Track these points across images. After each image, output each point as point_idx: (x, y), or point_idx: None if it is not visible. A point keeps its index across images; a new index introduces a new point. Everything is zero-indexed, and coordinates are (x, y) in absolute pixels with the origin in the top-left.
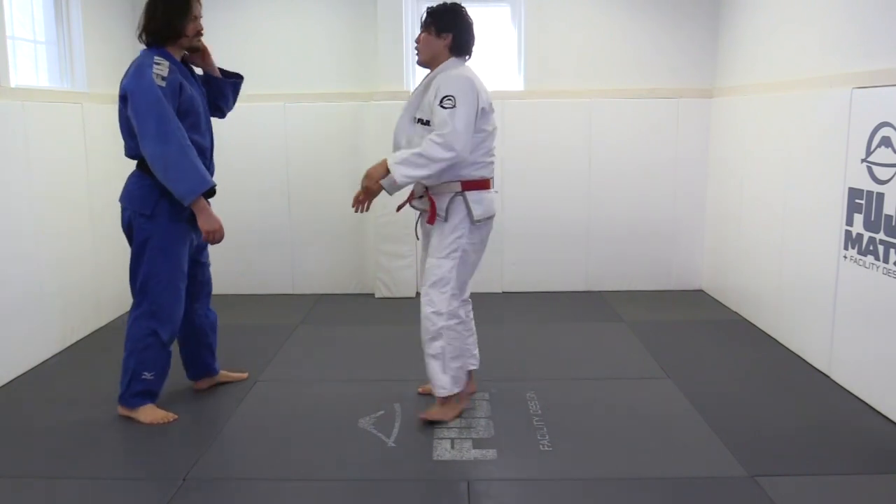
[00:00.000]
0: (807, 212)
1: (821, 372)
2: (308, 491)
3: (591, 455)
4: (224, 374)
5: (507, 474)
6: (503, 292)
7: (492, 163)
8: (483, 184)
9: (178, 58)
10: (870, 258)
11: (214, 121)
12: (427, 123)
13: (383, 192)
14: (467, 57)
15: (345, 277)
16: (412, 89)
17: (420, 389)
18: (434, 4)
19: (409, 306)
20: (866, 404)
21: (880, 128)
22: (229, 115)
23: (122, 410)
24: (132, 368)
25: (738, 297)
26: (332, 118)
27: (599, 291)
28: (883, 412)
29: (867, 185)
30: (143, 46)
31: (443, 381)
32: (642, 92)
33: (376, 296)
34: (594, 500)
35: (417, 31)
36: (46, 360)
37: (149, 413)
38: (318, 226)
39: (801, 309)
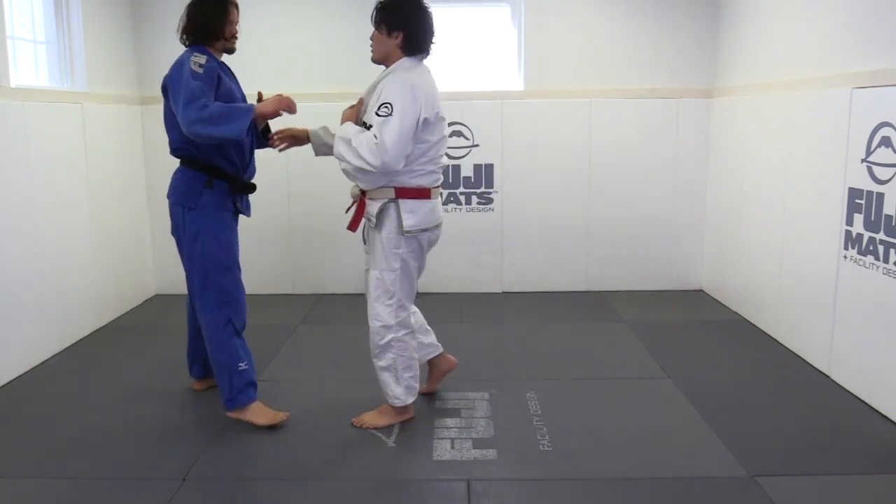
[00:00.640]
0: (807, 212)
1: (821, 372)
2: (308, 491)
3: (591, 455)
4: None
5: (507, 474)
6: (503, 292)
7: (434, 171)
8: (421, 192)
9: (217, 57)
10: (870, 258)
11: None
12: (370, 128)
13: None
14: (423, 56)
15: (345, 277)
16: None
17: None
18: None
19: None
20: (866, 404)
21: (880, 128)
22: None
23: (233, 414)
24: (226, 363)
25: (738, 297)
26: (333, 118)
27: (599, 291)
28: (883, 412)
29: (867, 185)
30: (184, 49)
31: (396, 391)
32: (642, 92)
33: None
34: (594, 500)
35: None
36: (46, 360)
37: (261, 414)
38: (318, 226)
39: (801, 309)
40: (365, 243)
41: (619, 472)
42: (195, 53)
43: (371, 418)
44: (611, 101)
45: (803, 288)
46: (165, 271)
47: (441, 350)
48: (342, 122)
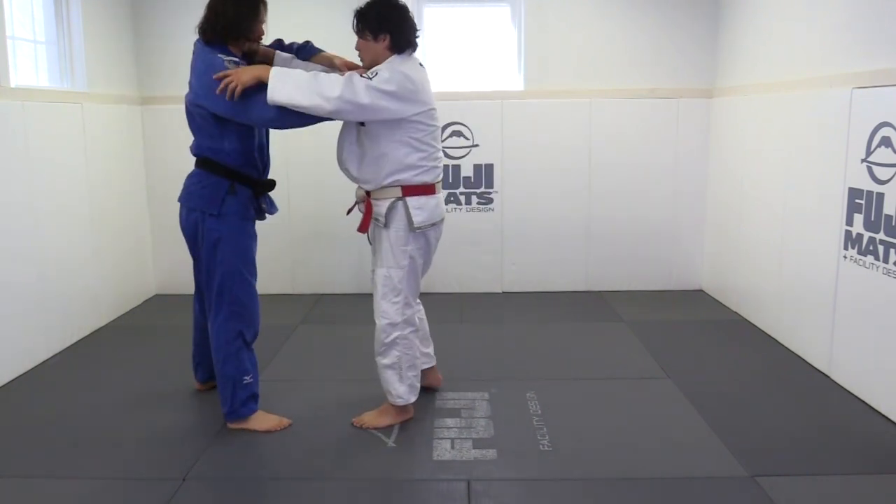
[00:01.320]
0: (807, 212)
1: (821, 372)
2: (308, 491)
3: (591, 455)
4: None
5: (507, 474)
6: (503, 292)
7: (436, 167)
8: (426, 189)
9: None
10: (870, 258)
11: None
12: (363, 124)
13: None
14: (412, 50)
15: (345, 277)
16: None
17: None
18: (362, 4)
19: None
20: (866, 404)
21: (880, 128)
22: None
23: (233, 424)
24: (232, 376)
25: (738, 297)
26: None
27: (599, 291)
28: (883, 412)
29: (867, 185)
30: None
31: (399, 390)
32: (642, 92)
33: None
34: (594, 500)
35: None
36: (46, 360)
37: (262, 420)
38: (318, 226)
39: (801, 309)
40: (371, 244)
41: (619, 472)
42: (223, 55)
43: (371, 418)
44: (611, 101)
45: (803, 288)
46: (165, 271)
47: (434, 364)
48: (257, 70)
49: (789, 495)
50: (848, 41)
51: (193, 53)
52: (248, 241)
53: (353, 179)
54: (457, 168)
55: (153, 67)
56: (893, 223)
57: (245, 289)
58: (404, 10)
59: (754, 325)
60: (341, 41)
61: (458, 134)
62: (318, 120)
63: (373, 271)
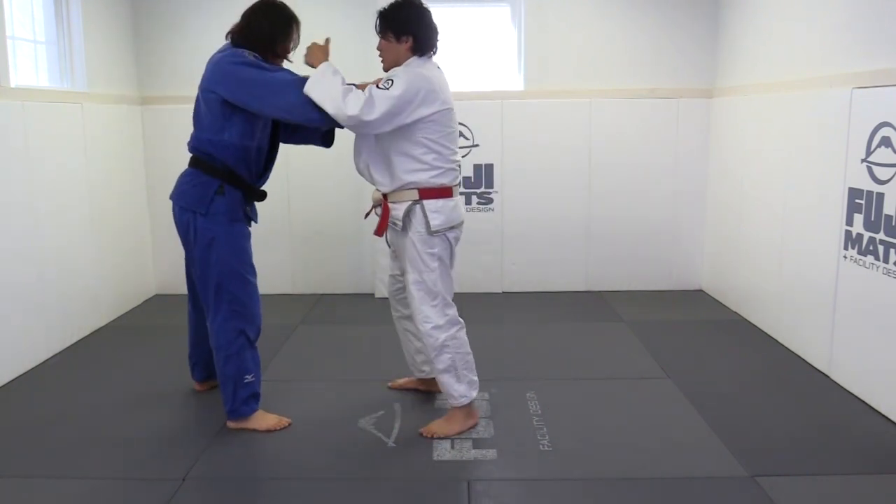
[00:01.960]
0: (807, 212)
1: (821, 372)
2: (308, 491)
3: (591, 455)
4: None
5: (507, 474)
6: (503, 292)
7: (453, 169)
8: (444, 192)
9: None
10: (870, 258)
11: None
12: None
13: None
14: (432, 53)
15: (345, 277)
16: None
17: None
18: (386, 5)
19: None
20: (866, 404)
21: (880, 128)
22: None
23: (233, 424)
24: (233, 375)
25: (738, 297)
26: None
27: (599, 291)
28: (883, 412)
29: (867, 185)
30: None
31: (459, 389)
32: (642, 92)
33: (376, 296)
34: (594, 500)
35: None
36: (46, 360)
37: (262, 420)
38: (318, 226)
39: (801, 309)
40: (390, 247)
41: (619, 472)
42: (249, 53)
43: (439, 427)
44: (611, 101)
45: (803, 288)
46: (165, 271)
47: (426, 376)
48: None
49: (789, 495)
50: (848, 41)
51: (219, 51)
52: (242, 240)
53: (370, 181)
54: None
55: (153, 67)
56: (893, 223)
57: (243, 287)
58: (428, 14)
59: (754, 325)
60: (341, 41)
61: (459, 134)
62: (329, 123)
63: (391, 276)
